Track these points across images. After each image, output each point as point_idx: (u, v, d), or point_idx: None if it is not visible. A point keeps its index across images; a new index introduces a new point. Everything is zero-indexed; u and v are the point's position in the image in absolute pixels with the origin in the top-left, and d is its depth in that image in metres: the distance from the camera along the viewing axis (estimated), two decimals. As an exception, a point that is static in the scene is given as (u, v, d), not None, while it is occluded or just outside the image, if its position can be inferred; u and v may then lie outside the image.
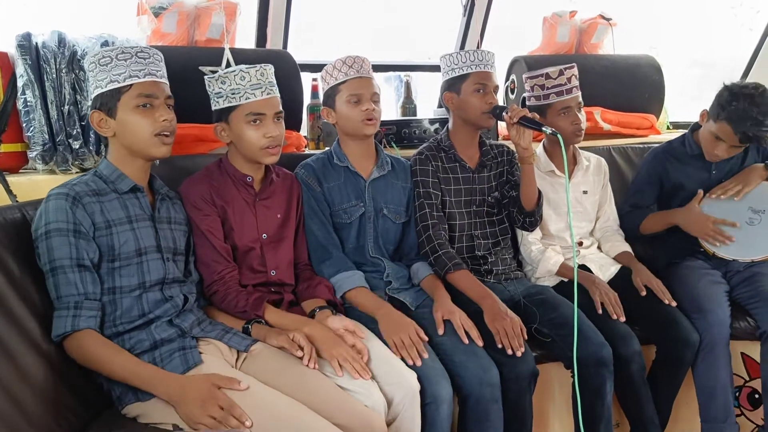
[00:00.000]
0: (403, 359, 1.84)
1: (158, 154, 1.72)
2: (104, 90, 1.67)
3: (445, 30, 3.33)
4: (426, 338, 1.91)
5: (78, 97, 2.09)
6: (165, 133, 1.70)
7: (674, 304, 2.24)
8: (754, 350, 2.33)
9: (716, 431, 2.22)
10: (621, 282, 2.34)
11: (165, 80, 1.75)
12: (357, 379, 1.71)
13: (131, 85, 1.67)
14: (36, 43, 2.06)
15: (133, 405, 1.58)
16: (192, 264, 1.89)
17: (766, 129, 2.26)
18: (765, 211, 2.38)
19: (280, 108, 1.95)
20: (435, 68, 2.35)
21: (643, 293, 2.27)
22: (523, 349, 1.93)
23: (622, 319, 2.16)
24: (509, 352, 1.92)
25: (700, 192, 2.41)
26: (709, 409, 2.21)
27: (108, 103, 1.68)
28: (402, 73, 3.18)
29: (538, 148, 2.51)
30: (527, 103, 2.50)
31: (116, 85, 1.67)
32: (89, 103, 1.73)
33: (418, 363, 1.84)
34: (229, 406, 1.48)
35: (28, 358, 1.49)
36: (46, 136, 2.08)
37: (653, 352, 2.25)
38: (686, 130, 2.63)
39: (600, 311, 2.17)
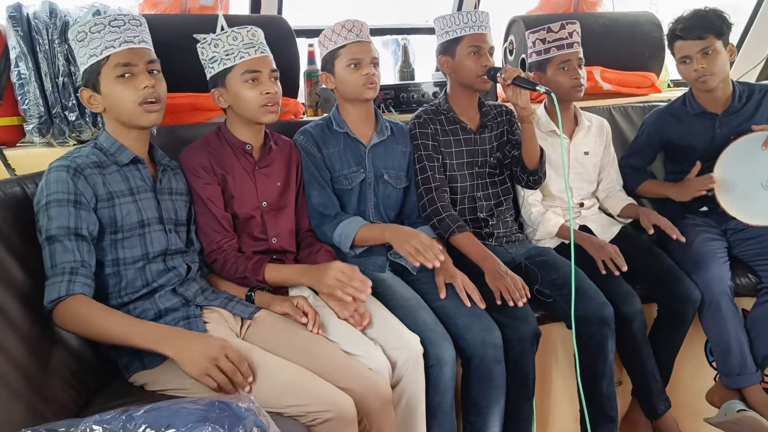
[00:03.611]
0: (406, 322, 1.85)
1: (146, 122, 1.68)
2: (87, 66, 1.65)
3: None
4: (435, 243, 1.91)
5: (72, 68, 2.06)
6: (149, 100, 1.66)
7: (683, 239, 2.27)
8: (756, 306, 2.34)
9: (735, 383, 2.24)
10: (622, 242, 2.34)
11: (144, 45, 1.69)
12: (360, 296, 1.74)
13: (108, 56, 1.63)
14: (27, 14, 2.04)
15: (140, 373, 1.60)
16: (194, 233, 1.89)
17: (699, 16, 2.34)
18: None
19: (275, 67, 1.93)
20: (433, 31, 2.33)
21: (651, 232, 2.29)
22: (525, 300, 1.95)
23: (624, 268, 2.17)
24: (510, 304, 1.93)
25: (698, 164, 2.39)
26: (726, 363, 2.23)
27: (91, 78, 1.65)
28: (399, 37, 3.15)
29: (539, 109, 2.50)
30: (528, 59, 2.48)
31: (95, 59, 1.64)
32: (83, 77, 1.71)
33: (437, 264, 1.85)
34: (239, 361, 1.48)
35: (34, 331, 1.50)
36: (42, 109, 2.06)
37: (654, 310, 2.27)
38: (687, 88, 2.60)
39: (604, 271, 2.18)
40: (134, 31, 1.68)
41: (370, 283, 1.79)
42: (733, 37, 2.42)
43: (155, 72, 1.70)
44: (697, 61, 2.34)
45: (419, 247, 1.88)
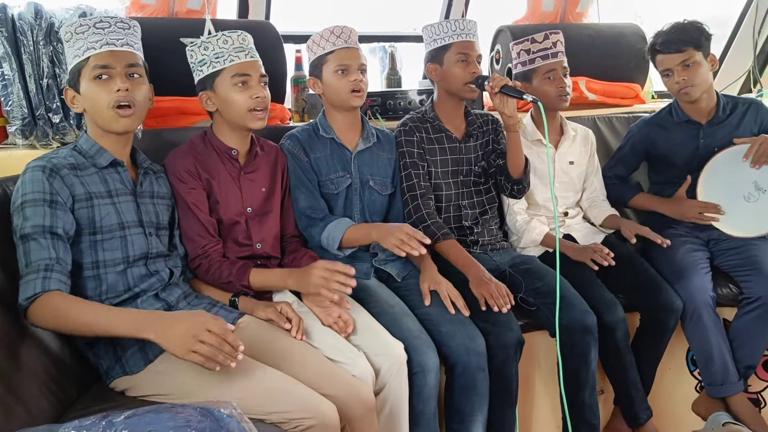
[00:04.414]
0: (390, 330, 1.86)
1: (118, 128, 1.66)
2: (72, 66, 1.66)
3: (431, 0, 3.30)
4: (418, 232, 1.88)
5: (57, 70, 2.05)
6: (122, 104, 1.64)
7: (668, 242, 2.29)
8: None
9: (718, 392, 2.27)
10: (606, 251, 2.37)
11: (128, 48, 1.68)
12: (346, 289, 1.72)
13: (88, 57, 1.63)
14: (12, 15, 2.01)
15: (121, 378, 1.59)
16: (177, 238, 1.88)
17: (678, 29, 2.37)
18: (767, 191, 2.33)
19: (264, 72, 1.93)
20: (420, 39, 2.34)
21: (633, 241, 2.31)
22: (509, 306, 1.95)
23: (612, 262, 2.18)
24: (495, 309, 1.93)
25: (689, 179, 2.41)
26: (709, 373, 2.26)
27: (74, 78, 1.66)
28: (387, 44, 3.16)
29: (526, 118, 2.51)
30: (514, 70, 2.49)
31: (78, 60, 1.64)
32: (68, 77, 1.70)
33: (423, 251, 1.83)
34: (223, 332, 1.40)
35: (13, 333, 1.48)
36: (25, 111, 2.04)
37: (637, 319, 2.28)
38: (671, 100, 2.62)
39: (596, 267, 2.19)
40: (119, 34, 1.67)
41: (352, 271, 1.75)
42: (717, 50, 2.45)
43: (135, 76, 1.68)
44: (678, 74, 2.37)
45: (403, 237, 1.86)
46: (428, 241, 1.86)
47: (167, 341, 1.40)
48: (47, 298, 1.46)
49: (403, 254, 1.86)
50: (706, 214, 2.38)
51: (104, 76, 1.63)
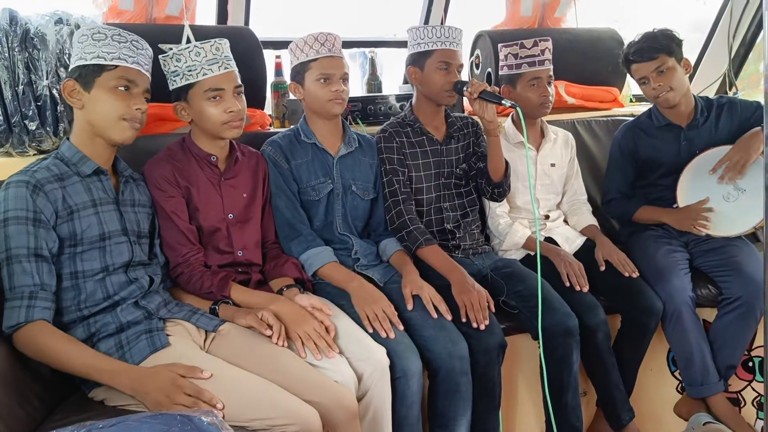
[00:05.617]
0: (372, 334, 1.85)
1: (119, 138, 1.69)
2: (87, 63, 1.65)
3: (411, 5, 3.31)
4: (396, 314, 1.91)
5: (32, 76, 2.02)
6: (134, 120, 1.69)
7: (636, 274, 2.28)
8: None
9: (698, 393, 2.29)
10: (586, 254, 2.38)
11: (149, 74, 1.75)
12: (318, 359, 1.71)
13: (117, 66, 1.66)
14: (-14, 22, 1.99)
15: (100, 389, 1.57)
16: (157, 246, 1.86)
17: (648, 38, 2.42)
18: (745, 191, 2.34)
19: (239, 82, 1.92)
20: (400, 44, 2.35)
21: (602, 268, 2.31)
22: (487, 322, 1.96)
23: (586, 289, 2.20)
24: (474, 325, 1.94)
25: (707, 199, 2.39)
26: (689, 373, 2.28)
27: (87, 75, 1.65)
28: (367, 50, 3.16)
29: (507, 121, 2.52)
30: (500, 71, 2.50)
31: (102, 62, 1.65)
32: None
33: (392, 335, 1.85)
34: (197, 392, 1.47)
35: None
36: (0, 118, 2.01)
37: (618, 321, 2.30)
38: (649, 103, 2.65)
39: (567, 283, 2.20)
40: (146, 59, 1.75)
41: (331, 313, 1.84)
42: (694, 54, 2.48)
43: (146, 99, 1.74)
44: (654, 80, 2.41)
45: (379, 314, 1.88)
46: (401, 328, 1.88)
47: (142, 397, 1.48)
48: (31, 329, 1.50)
49: (370, 329, 1.87)
50: (699, 221, 2.37)
51: (127, 90, 1.67)
